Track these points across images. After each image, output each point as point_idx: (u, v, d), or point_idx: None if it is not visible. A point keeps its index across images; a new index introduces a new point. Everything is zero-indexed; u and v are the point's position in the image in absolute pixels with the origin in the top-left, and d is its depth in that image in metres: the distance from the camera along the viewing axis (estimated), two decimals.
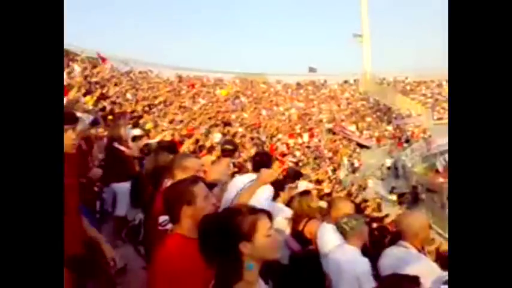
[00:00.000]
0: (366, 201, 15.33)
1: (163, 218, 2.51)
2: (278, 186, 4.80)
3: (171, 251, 1.95)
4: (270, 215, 1.68)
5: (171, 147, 5.06)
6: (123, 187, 5.32)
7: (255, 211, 1.64)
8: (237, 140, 13.31)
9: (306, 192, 5.10)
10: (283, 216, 4.28)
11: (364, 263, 2.99)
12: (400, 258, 2.76)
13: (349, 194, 13.94)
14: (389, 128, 32.99)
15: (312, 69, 40.70)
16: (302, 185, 9.99)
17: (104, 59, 19.74)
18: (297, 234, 4.28)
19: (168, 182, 2.97)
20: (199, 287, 1.70)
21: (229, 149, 4.88)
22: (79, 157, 3.75)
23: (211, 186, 2.58)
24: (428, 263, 2.77)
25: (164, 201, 2.10)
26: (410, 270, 2.55)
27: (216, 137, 11.99)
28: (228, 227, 1.56)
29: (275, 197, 4.57)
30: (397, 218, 3.93)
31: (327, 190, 11.59)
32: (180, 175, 2.86)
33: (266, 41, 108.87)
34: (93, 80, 14.16)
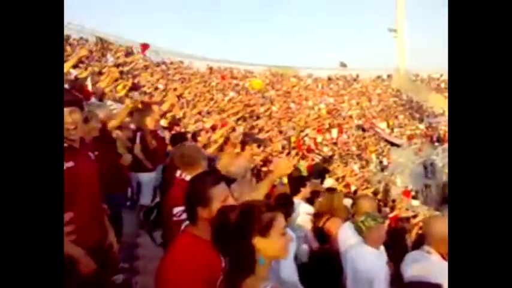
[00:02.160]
0: (394, 200, 15.07)
1: (177, 209, 2.51)
2: (299, 181, 4.80)
3: (181, 252, 1.94)
4: (286, 214, 1.68)
5: (183, 138, 5.05)
6: (147, 176, 5.39)
7: (272, 208, 1.65)
8: (265, 134, 13.28)
9: (332, 189, 5.09)
10: (306, 212, 4.27)
11: (380, 268, 2.94)
12: (421, 263, 2.68)
13: (376, 193, 13.70)
14: (421, 126, 32.17)
15: (342, 65, 40.14)
16: (328, 182, 9.97)
17: (146, 46, 19.66)
18: (317, 230, 4.26)
19: (178, 172, 2.99)
20: None
21: (247, 143, 4.87)
22: (104, 146, 3.80)
23: (230, 181, 2.57)
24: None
25: (184, 197, 2.07)
26: (431, 278, 2.49)
27: (237, 131, 12.02)
28: (245, 221, 1.57)
29: (296, 193, 4.56)
30: (423, 221, 3.82)
31: (353, 188, 11.44)
32: (180, 165, 2.88)
33: (299, 34, 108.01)
34: (126, 69, 14.42)
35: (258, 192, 2.70)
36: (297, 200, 4.46)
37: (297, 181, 4.90)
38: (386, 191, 17.43)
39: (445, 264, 2.61)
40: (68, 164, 2.16)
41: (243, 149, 4.80)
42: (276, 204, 4.30)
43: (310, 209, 4.42)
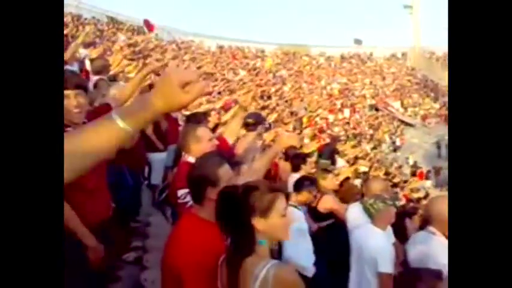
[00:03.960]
0: (405, 181, 14.98)
1: (181, 192, 2.51)
2: (300, 158, 4.78)
3: (185, 235, 1.94)
4: (287, 196, 1.68)
5: (199, 117, 5.02)
6: (158, 156, 5.43)
7: (274, 189, 1.65)
8: (275, 115, 13.20)
9: (326, 171, 5.08)
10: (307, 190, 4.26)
11: (385, 248, 2.95)
12: (425, 244, 2.67)
13: (387, 173, 13.62)
14: (436, 105, 31.64)
15: (357, 41, 39.42)
16: (340, 162, 9.90)
17: (151, 27, 19.50)
18: (312, 210, 4.29)
19: (184, 155, 2.93)
20: (211, 275, 1.71)
21: (252, 123, 4.78)
22: None
23: (236, 164, 2.56)
24: None
25: (188, 180, 2.07)
26: (433, 259, 2.49)
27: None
28: (246, 202, 1.57)
29: (297, 169, 4.54)
30: (427, 202, 3.79)
31: (364, 169, 11.38)
32: (193, 146, 2.82)
33: (311, 11, 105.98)
34: (137, 49, 14.37)
35: (260, 163, 2.66)
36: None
37: (297, 158, 4.87)
38: (399, 172, 17.32)
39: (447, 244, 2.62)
40: None
41: (248, 130, 4.71)
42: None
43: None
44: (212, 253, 1.75)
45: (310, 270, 3.53)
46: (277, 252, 3.03)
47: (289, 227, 1.66)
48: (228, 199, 1.62)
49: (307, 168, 4.81)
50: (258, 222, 1.57)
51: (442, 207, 2.70)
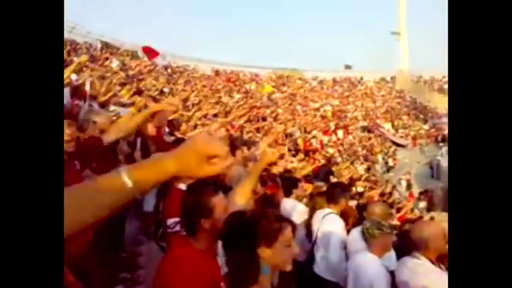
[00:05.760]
0: (399, 202, 14.98)
1: (171, 221, 2.42)
2: (291, 183, 4.75)
3: (177, 265, 1.82)
4: (294, 226, 1.66)
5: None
6: None
7: (281, 219, 1.64)
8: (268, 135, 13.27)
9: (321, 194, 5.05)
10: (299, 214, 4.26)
11: (381, 276, 2.94)
12: (411, 270, 2.64)
13: (382, 194, 13.64)
14: (426, 126, 32.05)
15: (347, 67, 40.26)
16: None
17: (154, 53, 19.23)
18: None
19: (177, 184, 2.77)
20: None
21: (239, 146, 4.63)
22: (103, 152, 3.57)
23: (227, 189, 2.41)
24: (440, 277, 2.51)
25: (181, 211, 1.98)
26: (419, 283, 2.49)
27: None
28: (252, 230, 1.56)
29: (288, 194, 4.52)
30: (409, 226, 3.73)
31: (360, 189, 11.42)
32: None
33: (303, 37, 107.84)
34: (131, 73, 14.47)
35: (248, 184, 2.49)
36: (291, 201, 4.43)
37: (288, 182, 4.78)
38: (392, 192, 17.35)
39: (435, 270, 2.58)
40: None
41: (233, 154, 4.54)
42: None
43: (306, 212, 4.36)
44: (208, 284, 1.70)
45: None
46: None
47: (292, 257, 1.63)
48: (235, 227, 1.61)
49: (298, 192, 4.74)
50: (263, 252, 1.55)
51: (423, 232, 2.69)
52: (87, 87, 6.03)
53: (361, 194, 10.39)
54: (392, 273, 2.90)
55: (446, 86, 37.15)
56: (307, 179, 8.09)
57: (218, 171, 0.92)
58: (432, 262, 2.63)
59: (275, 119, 20.38)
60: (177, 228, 2.25)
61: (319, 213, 4.00)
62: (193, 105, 14.21)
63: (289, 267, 1.63)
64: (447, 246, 2.76)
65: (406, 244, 3.00)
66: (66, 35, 20.23)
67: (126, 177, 0.87)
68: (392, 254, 3.37)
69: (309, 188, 6.43)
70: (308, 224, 4.10)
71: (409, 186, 21.80)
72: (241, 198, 2.33)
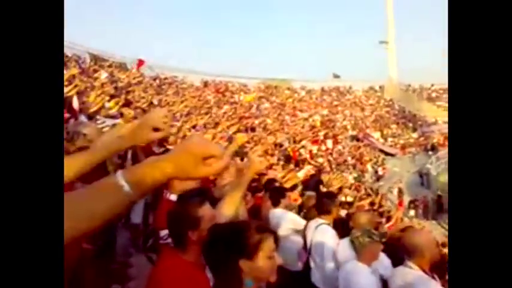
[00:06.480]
0: (389, 211, 15.02)
1: (163, 233, 2.40)
2: (279, 193, 4.73)
3: (165, 276, 1.84)
4: (276, 237, 1.63)
5: None
6: None
7: (262, 230, 1.60)
8: (259, 146, 13.27)
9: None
10: (290, 223, 4.24)
11: (371, 285, 2.93)
12: (404, 279, 2.63)
13: (372, 203, 13.66)
14: (415, 135, 32.36)
15: (335, 76, 40.60)
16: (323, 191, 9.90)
17: (141, 62, 19.29)
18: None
19: (166, 193, 2.81)
20: None
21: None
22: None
23: (215, 200, 2.43)
24: (433, 287, 2.50)
25: (168, 223, 1.98)
26: None
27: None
28: (233, 242, 1.53)
29: (277, 204, 4.51)
30: (401, 235, 3.75)
31: (349, 199, 11.42)
32: (176, 183, 2.66)
33: (292, 47, 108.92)
34: (119, 85, 14.42)
35: (236, 193, 2.44)
36: (280, 210, 4.41)
37: (276, 193, 4.75)
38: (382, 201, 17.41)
39: (428, 280, 2.56)
40: None
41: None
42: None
43: (296, 220, 4.37)
44: None
45: None
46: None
47: (275, 269, 1.60)
48: (216, 239, 1.58)
49: (286, 202, 4.71)
50: (244, 264, 1.52)
51: (416, 242, 2.67)
52: (75, 104, 6.01)
53: (350, 204, 10.37)
54: (384, 282, 2.89)
55: (435, 95, 37.67)
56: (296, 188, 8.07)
57: (215, 171, 0.92)
58: (425, 272, 2.61)
59: (264, 129, 20.40)
60: (170, 240, 2.21)
61: (312, 224, 4.00)
62: (181, 115, 14.17)
63: (273, 278, 1.59)
64: (439, 256, 2.74)
65: (396, 253, 2.99)
66: None
67: (122, 181, 0.86)
68: (387, 261, 3.37)
69: (297, 198, 6.42)
70: (304, 235, 4.09)
71: (400, 194, 21.89)
72: (230, 208, 2.30)
